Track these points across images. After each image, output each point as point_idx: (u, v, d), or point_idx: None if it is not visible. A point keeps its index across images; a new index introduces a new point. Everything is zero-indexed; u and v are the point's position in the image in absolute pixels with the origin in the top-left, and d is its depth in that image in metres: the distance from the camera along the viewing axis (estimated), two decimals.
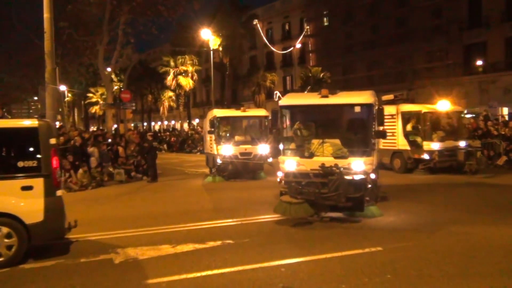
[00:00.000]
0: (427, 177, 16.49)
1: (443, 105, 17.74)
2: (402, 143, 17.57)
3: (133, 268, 6.54)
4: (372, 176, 9.43)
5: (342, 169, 9.08)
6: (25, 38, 29.29)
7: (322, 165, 9.16)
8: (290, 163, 9.77)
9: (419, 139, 17.18)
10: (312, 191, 9.05)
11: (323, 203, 9.19)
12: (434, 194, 12.94)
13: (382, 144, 17.26)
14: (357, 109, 10.01)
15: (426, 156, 16.82)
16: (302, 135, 10.51)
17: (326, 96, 9.87)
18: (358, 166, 9.28)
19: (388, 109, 17.38)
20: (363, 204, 9.31)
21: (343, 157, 9.44)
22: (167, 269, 6.41)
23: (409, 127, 17.60)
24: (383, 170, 17.06)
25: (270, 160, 16.45)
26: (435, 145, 16.81)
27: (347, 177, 9.07)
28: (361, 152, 9.51)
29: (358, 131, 10.23)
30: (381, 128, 10.35)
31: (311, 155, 9.68)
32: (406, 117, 17.64)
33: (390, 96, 18.87)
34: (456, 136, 17.41)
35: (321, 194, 9.01)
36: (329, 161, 9.30)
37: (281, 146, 10.27)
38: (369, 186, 9.46)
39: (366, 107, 9.80)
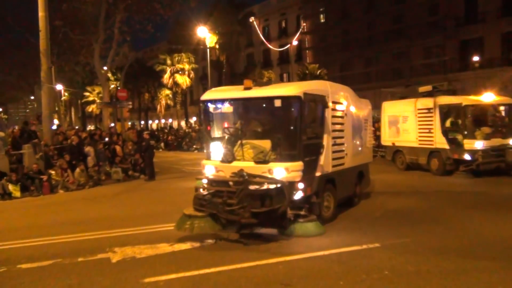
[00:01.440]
0: (469, 181, 14.39)
1: (489, 97, 15.39)
2: (440, 141, 15.39)
3: (130, 267, 6.52)
4: (301, 185, 7.81)
5: (247, 176, 7.59)
6: (21, 37, 29.23)
7: (234, 172, 7.80)
8: (210, 169, 8.47)
9: (459, 137, 14.96)
10: (216, 203, 7.56)
11: (227, 217, 7.58)
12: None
13: (418, 142, 16.25)
14: (278, 103, 8.15)
15: (467, 157, 14.48)
16: (229, 134, 8.87)
17: (249, 88, 8.40)
18: (280, 173, 7.72)
19: (425, 102, 16.15)
20: (286, 221, 7.72)
21: (265, 162, 7.92)
22: (165, 267, 6.39)
23: (448, 123, 15.45)
24: (420, 171, 16.32)
25: None
26: (479, 144, 14.40)
27: (257, 187, 7.50)
28: (286, 156, 7.92)
29: (283, 130, 8.40)
30: (331, 126, 8.90)
31: (231, 159, 8.27)
32: (445, 111, 15.48)
33: (427, 87, 16.99)
34: (505, 133, 15.04)
35: (224, 207, 7.46)
36: (249, 166, 7.88)
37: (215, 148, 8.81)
38: (298, 197, 7.85)
39: (291, 101, 8.04)
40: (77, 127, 36.41)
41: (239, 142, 8.34)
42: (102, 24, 23.68)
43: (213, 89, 9.79)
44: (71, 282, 5.97)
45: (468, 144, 14.61)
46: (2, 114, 62.85)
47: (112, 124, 25.86)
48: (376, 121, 21.61)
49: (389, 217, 9.54)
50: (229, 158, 8.30)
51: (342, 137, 9.53)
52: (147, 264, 6.65)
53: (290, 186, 7.71)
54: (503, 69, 31.44)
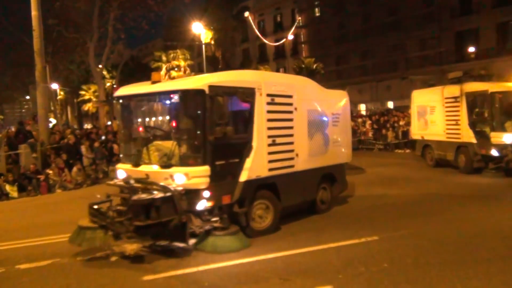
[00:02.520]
0: (496, 181, 12.63)
1: None
2: (467, 135, 13.57)
3: (129, 265, 6.49)
4: (206, 194, 6.79)
5: (134, 182, 6.91)
6: (15, 37, 29.03)
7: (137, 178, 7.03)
8: (121, 173, 7.67)
9: (487, 129, 13.10)
10: (106, 214, 6.82)
11: (115, 230, 6.72)
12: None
13: (446, 135, 14.59)
14: (177, 98, 7.37)
15: (494, 153, 12.78)
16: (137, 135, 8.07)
17: (156, 82, 7.51)
18: (180, 180, 6.78)
19: (451, 90, 14.36)
20: (186, 235, 6.62)
21: (168, 166, 7.01)
22: (164, 265, 6.38)
23: (475, 114, 13.65)
24: (448, 168, 14.67)
25: None
26: (508, 137, 12.55)
27: (144, 196, 6.55)
28: (188, 160, 7.04)
29: (186, 129, 7.51)
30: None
31: (138, 163, 7.47)
32: (472, 100, 13.64)
33: (457, 73, 15.33)
34: None
35: (113, 218, 6.68)
36: (154, 171, 7.08)
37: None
38: (202, 207, 6.82)
39: (192, 95, 7.04)
40: (75, 126, 36.31)
41: (150, 143, 7.58)
42: (96, 22, 23.58)
43: (129, 84, 8.48)
44: (69, 281, 5.95)
45: (496, 137, 12.73)
46: None
47: (109, 123, 25.80)
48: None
49: (387, 210, 9.55)
50: (136, 161, 7.49)
51: (289, 135, 8.30)
52: (146, 262, 6.63)
53: (193, 194, 6.72)
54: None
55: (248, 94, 7.49)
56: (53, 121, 21.94)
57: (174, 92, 7.36)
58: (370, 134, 24.58)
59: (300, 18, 48.61)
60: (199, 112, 7.02)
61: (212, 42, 45.30)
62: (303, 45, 49.54)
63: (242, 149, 7.46)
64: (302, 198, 8.84)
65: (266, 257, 6.49)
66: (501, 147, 12.68)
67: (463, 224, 8.05)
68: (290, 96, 8.39)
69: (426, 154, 16.29)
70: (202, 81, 7.08)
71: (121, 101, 8.10)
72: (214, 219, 6.99)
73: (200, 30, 38.25)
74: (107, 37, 24.44)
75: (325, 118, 9.43)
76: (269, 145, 7.84)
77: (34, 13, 14.71)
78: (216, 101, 7.06)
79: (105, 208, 6.96)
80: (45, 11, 17.96)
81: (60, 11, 22.98)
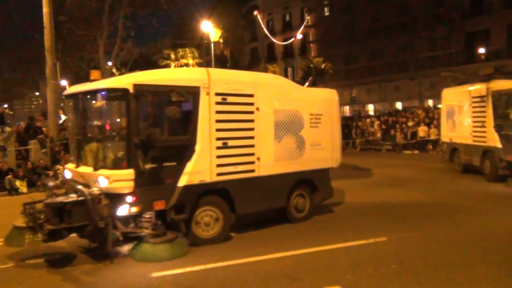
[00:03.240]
0: None
1: None
2: (492, 138, 12.25)
3: (138, 262, 6.53)
4: (129, 199, 6.43)
5: (53, 185, 6.77)
6: (26, 34, 29.26)
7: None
8: (67, 174, 7.52)
9: None
10: (33, 214, 6.52)
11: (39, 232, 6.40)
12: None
13: (472, 138, 13.21)
14: (101, 97, 6.91)
15: None
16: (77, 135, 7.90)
17: (94, 81, 7.07)
18: (103, 183, 6.46)
19: (478, 89, 13.02)
20: (107, 241, 6.40)
21: (99, 167, 6.71)
22: (172, 262, 6.41)
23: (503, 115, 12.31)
24: (473, 175, 13.42)
25: None
26: None
27: (60, 199, 6.38)
28: (111, 162, 6.78)
29: (111, 130, 7.37)
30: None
31: (78, 164, 7.34)
32: (499, 100, 12.33)
33: (489, 69, 13.97)
34: None
35: (39, 220, 6.40)
36: (88, 173, 6.82)
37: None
38: (124, 212, 6.50)
39: (115, 94, 6.68)
40: None
41: (87, 144, 7.33)
42: (106, 20, 23.68)
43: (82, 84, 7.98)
44: (80, 277, 6.01)
45: None
46: (8, 110, 63.09)
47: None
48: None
49: (395, 211, 9.51)
50: (77, 162, 7.37)
51: (247, 138, 7.74)
52: None
53: (115, 199, 6.39)
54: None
55: (188, 93, 6.89)
56: (62, 117, 22.07)
57: (98, 91, 6.84)
58: (378, 135, 24.47)
59: (309, 17, 48.46)
60: (123, 112, 6.71)
61: (221, 40, 45.30)
62: (311, 45, 49.37)
63: (182, 152, 7.05)
64: (266, 206, 8.12)
65: (274, 256, 6.50)
66: None
67: (473, 226, 8.00)
68: (250, 95, 7.78)
69: (454, 158, 14.92)
70: (126, 79, 6.74)
71: (67, 100, 7.96)
72: (146, 225, 6.76)
73: (209, 28, 38.31)
74: (117, 34, 24.55)
75: (299, 119, 8.57)
76: (219, 148, 7.32)
77: (45, 10, 14.82)
78: (144, 101, 6.71)
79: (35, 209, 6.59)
80: (56, 8, 18.08)
81: (71, 8, 23.13)
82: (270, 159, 8.09)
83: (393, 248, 6.70)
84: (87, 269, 6.28)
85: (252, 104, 7.82)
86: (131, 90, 6.45)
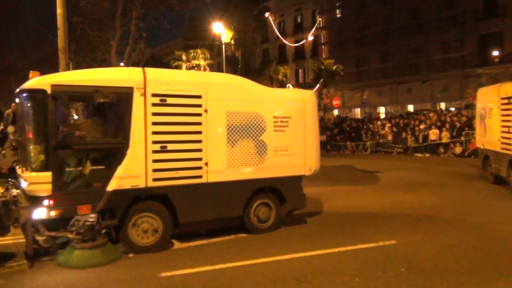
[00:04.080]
0: None
1: None
2: None
3: (147, 262, 6.59)
4: (46, 202, 6.26)
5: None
6: (39, 34, 29.66)
7: None
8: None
9: None
10: None
11: None
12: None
13: (500, 145, 11.66)
14: (21, 98, 6.85)
15: None
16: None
17: None
18: (24, 185, 6.45)
19: (507, 89, 11.59)
20: (27, 244, 6.41)
21: (25, 169, 6.63)
22: (181, 262, 6.45)
23: None
24: (501, 186, 12.03)
25: None
26: None
27: None
28: (30, 164, 6.57)
29: (31, 132, 6.98)
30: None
31: (18, 166, 7.19)
32: None
33: None
34: None
35: None
36: (20, 175, 6.79)
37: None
38: (40, 216, 6.34)
39: (32, 95, 6.62)
40: None
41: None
42: (119, 21, 23.89)
43: None
44: (89, 275, 6.06)
45: None
46: None
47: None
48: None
49: (405, 214, 9.46)
50: (18, 164, 7.19)
51: (192, 141, 7.29)
52: (163, 259, 6.72)
53: (33, 202, 6.29)
54: None
55: (118, 94, 6.63)
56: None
57: (21, 92, 6.74)
58: (389, 137, 24.34)
59: (320, 19, 48.39)
60: (40, 113, 6.49)
61: (232, 42, 45.43)
62: (323, 46, 49.31)
63: (111, 155, 6.78)
64: (216, 214, 7.60)
65: (282, 258, 6.49)
66: None
67: (484, 231, 7.91)
68: (197, 97, 7.31)
69: (487, 167, 13.35)
70: (45, 80, 6.52)
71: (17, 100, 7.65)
72: (71, 229, 6.49)
73: (221, 30, 38.44)
74: (129, 35, 24.75)
75: (259, 122, 7.88)
76: (156, 152, 6.90)
77: (59, 11, 14.96)
78: (63, 102, 6.55)
79: None
80: (70, 9, 18.30)
81: (84, 9, 23.38)
82: (221, 164, 7.53)
83: (402, 252, 6.66)
84: (96, 268, 6.34)
85: (199, 105, 7.33)
86: (49, 91, 6.29)
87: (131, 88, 6.74)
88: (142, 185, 6.84)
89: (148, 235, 6.99)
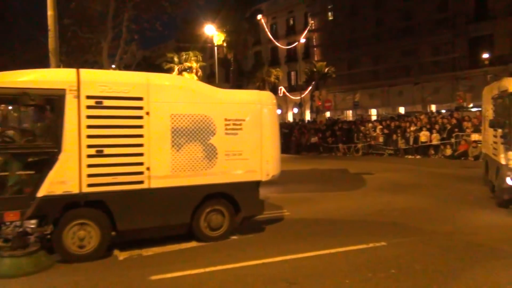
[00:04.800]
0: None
1: None
2: (499, 151, 9.81)
3: (137, 265, 6.57)
4: None
5: None
6: (30, 36, 29.45)
7: None
8: None
9: None
10: None
11: None
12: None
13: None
14: None
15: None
16: None
17: None
18: None
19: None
20: None
21: None
22: (171, 265, 6.42)
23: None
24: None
25: None
26: None
27: None
28: None
29: None
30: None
31: None
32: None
33: None
34: None
35: None
36: None
37: None
38: None
39: None
40: None
41: None
42: (111, 23, 23.78)
43: None
44: (78, 279, 6.01)
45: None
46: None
47: None
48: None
49: (395, 215, 9.50)
50: None
51: (132, 145, 6.92)
52: (153, 262, 6.69)
53: None
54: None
55: (48, 96, 6.37)
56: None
57: None
58: (380, 139, 24.46)
59: (313, 21, 48.59)
60: None
61: (225, 44, 45.44)
62: (315, 49, 49.49)
63: (41, 160, 6.53)
64: (160, 222, 7.24)
65: (273, 260, 6.50)
66: None
67: (473, 232, 7.97)
68: (137, 99, 6.96)
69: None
70: None
71: None
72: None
73: (213, 32, 38.45)
74: (121, 37, 24.65)
75: (209, 125, 7.47)
76: (91, 156, 6.57)
77: (50, 12, 14.86)
78: None
79: None
80: (61, 11, 18.19)
81: (76, 11, 23.25)
82: (165, 169, 7.12)
83: (392, 253, 6.69)
84: (86, 271, 6.30)
85: (140, 108, 6.97)
86: None
87: (63, 90, 6.42)
88: (75, 191, 6.50)
89: (84, 243, 6.66)
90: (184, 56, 50.17)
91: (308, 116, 45.74)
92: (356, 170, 17.51)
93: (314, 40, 49.51)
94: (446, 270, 5.93)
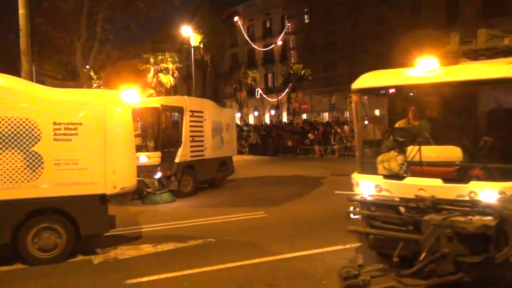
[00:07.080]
0: None
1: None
2: None
3: (112, 268, 6.45)
4: None
5: None
6: (1, 35, 28.71)
7: None
8: None
9: None
10: None
11: None
12: None
13: None
14: None
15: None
16: None
17: None
18: None
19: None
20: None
21: None
22: (148, 268, 6.33)
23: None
24: None
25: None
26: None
27: None
28: None
29: None
30: None
31: None
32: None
33: None
34: None
35: None
36: None
37: None
38: None
39: None
40: None
41: None
42: (84, 22, 23.38)
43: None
44: (51, 283, 5.87)
45: None
46: None
47: None
48: None
49: None
50: None
51: None
52: (129, 265, 6.58)
53: None
54: None
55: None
56: None
57: None
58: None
59: (289, 24, 48.89)
60: None
61: (201, 45, 45.29)
62: (291, 51, 49.79)
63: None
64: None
65: (251, 262, 6.48)
66: None
67: None
68: None
69: None
70: None
71: None
72: None
73: (189, 33, 38.23)
74: (95, 37, 24.26)
75: (31, 130, 6.47)
76: None
77: (21, 11, 14.51)
78: None
79: None
80: (33, 10, 17.78)
81: (48, 10, 22.75)
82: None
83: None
84: (60, 275, 6.14)
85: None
86: None
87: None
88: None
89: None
90: (160, 57, 49.79)
91: (285, 118, 45.96)
92: (332, 171, 17.66)
93: (291, 42, 49.81)
94: None
